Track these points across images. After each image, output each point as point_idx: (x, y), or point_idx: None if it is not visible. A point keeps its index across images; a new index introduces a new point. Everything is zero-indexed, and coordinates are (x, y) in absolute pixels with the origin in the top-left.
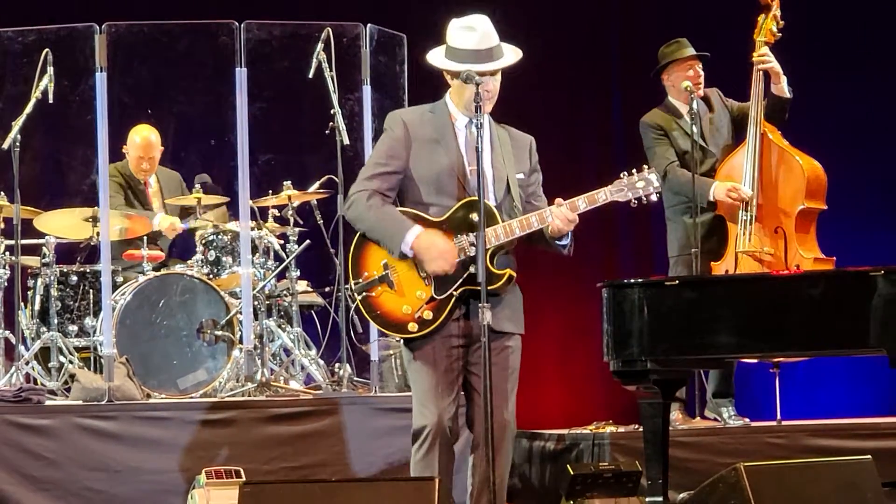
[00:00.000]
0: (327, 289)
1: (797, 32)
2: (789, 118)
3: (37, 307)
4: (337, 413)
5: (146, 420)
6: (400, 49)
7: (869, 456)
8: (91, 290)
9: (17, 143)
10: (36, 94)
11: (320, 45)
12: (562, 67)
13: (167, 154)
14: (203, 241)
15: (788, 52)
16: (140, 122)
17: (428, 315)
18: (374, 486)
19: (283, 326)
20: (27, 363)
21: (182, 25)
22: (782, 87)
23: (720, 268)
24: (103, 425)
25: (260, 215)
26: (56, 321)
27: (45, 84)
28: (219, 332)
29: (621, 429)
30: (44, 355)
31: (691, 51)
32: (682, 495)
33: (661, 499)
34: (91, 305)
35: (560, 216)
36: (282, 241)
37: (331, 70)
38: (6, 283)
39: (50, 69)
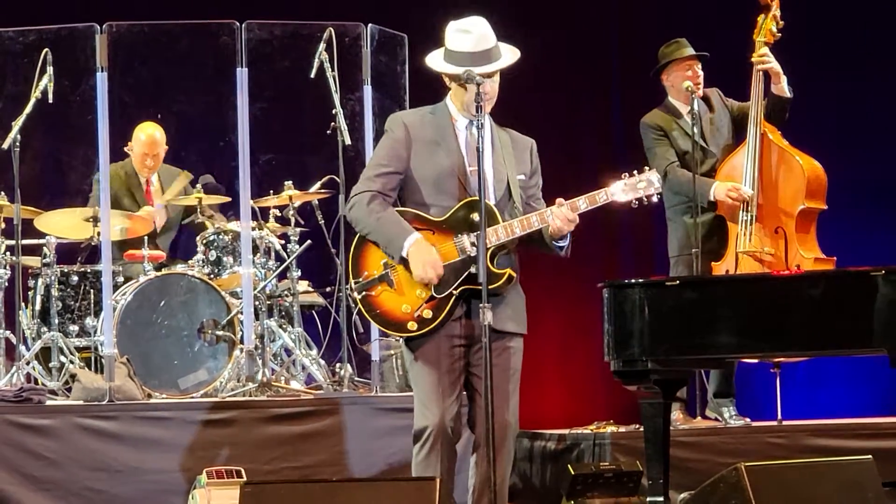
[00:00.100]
0: (328, 289)
1: (797, 32)
2: (789, 118)
3: (37, 307)
4: (338, 413)
5: (147, 420)
6: (401, 49)
7: (870, 456)
8: (92, 290)
9: (18, 143)
10: (36, 94)
11: (322, 45)
12: (561, 68)
13: (168, 154)
14: (204, 241)
15: (788, 52)
16: (141, 121)
17: (428, 314)
18: (374, 486)
19: (284, 326)
20: (28, 363)
21: (183, 25)
22: (782, 87)
23: (721, 268)
24: (104, 425)
25: (261, 215)
26: (57, 321)
27: (44, 84)
28: (220, 332)
29: (622, 429)
30: (45, 355)
31: (690, 51)
32: (682, 495)
33: (661, 499)
34: (92, 305)
35: (560, 216)
36: (283, 241)
37: (332, 70)
38: (7, 284)
39: (49, 69)
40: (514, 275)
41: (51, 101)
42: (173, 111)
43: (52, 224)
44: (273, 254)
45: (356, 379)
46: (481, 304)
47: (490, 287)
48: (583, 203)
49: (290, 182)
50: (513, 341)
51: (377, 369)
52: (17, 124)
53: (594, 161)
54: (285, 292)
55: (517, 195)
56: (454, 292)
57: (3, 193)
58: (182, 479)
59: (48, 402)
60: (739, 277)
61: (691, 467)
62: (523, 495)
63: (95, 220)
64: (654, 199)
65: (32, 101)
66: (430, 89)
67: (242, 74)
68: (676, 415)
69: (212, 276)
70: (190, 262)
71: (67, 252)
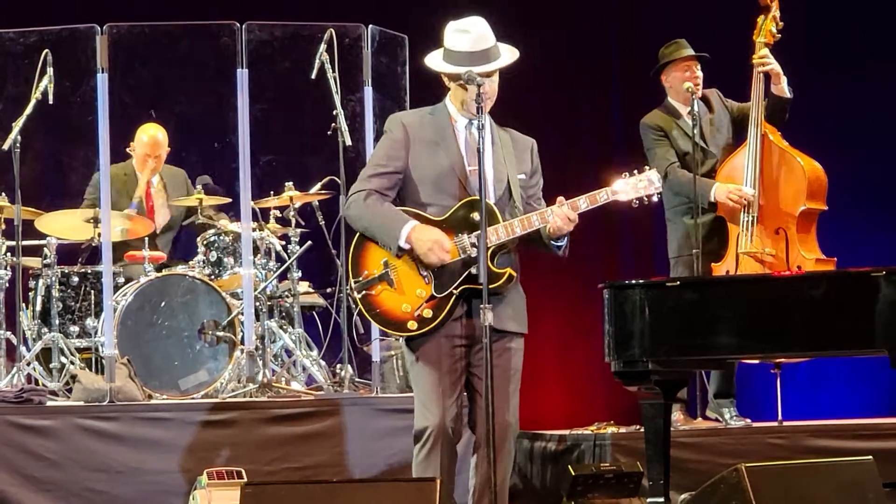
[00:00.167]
0: (329, 290)
1: (796, 33)
2: (789, 119)
3: (38, 308)
4: (338, 414)
5: (147, 421)
6: (402, 50)
7: (870, 456)
8: (92, 291)
9: (18, 144)
10: (36, 95)
11: (323, 46)
12: (561, 68)
13: (169, 155)
14: (204, 242)
15: (788, 52)
16: (142, 122)
17: (428, 313)
18: (375, 486)
19: (284, 327)
20: (28, 364)
21: (183, 26)
22: (782, 88)
23: (721, 269)
24: (105, 426)
25: (261, 216)
26: (57, 322)
27: (45, 85)
28: (220, 333)
29: (623, 429)
30: (45, 356)
31: (690, 51)
32: (683, 496)
33: (662, 499)
34: (92, 306)
35: (561, 215)
36: (283, 242)
37: (333, 71)
38: (7, 284)
39: (50, 70)
40: (515, 274)
41: (51, 102)
42: (174, 112)
43: (53, 225)
44: (274, 255)
45: (357, 380)
46: (482, 305)
47: (490, 286)
48: (583, 202)
49: (291, 183)
50: (513, 342)
51: (378, 370)
52: (18, 125)
53: (594, 161)
54: (286, 293)
55: (517, 195)
56: (454, 292)
57: (3, 194)
58: (183, 479)
59: (49, 403)
60: (740, 278)
61: (692, 468)
62: (524, 496)
63: (96, 221)
64: (655, 198)
65: (33, 102)
66: (431, 90)
67: (243, 75)
68: (677, 415)
69: (212, 276)
70: (190, 262)
71: (68, 253)
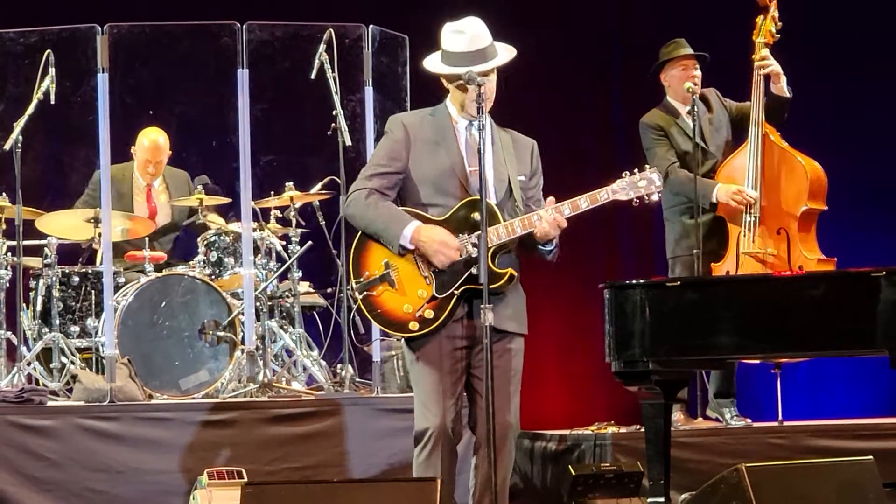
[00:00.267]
0: (329, 290)
1: (795, 34)
2: (788, 119)
3: (38, 308)
4: (339, 414)
5: (148, 421)
6: (402, 50)
7: (870, 456)
8: (93, 291)
9: (19, 144)
10: (37, 95)
11: (322, 46)
12: (561, 68)
13: (170, 155)
14: (205, 242)
15: (786, 53)
16: (143, 122)
17: (429, 314)
18: (375, 486)
19: (285, 327)
20: (29, 364)
21: (184, 26)
22: (782, 87)
23: (721, 269)
24: (105, 426)
25: (262, 216)
26: (58, 322)
27: (46, 85)
28: (221, 333)
29: (623, 429)
30: (45, 356)
31: (688, 50)
32: (683, 496)
33: (662, 499)
34: (93, 306)
35: (549, 220)
36: (284, 242)
37: (333, 71)
38: (8, 284)
39: (51, 70)
40: (516, 274)
41: (52, 102)
42: (174, 112)
43: (54, 225)
44: (274, 255)
45: (357, 380)
46: (482, 306)
47: (492, 286)
48: (584, 202)
49: (291, 183)
50: (513, 342)
51: (378, 370)
52: (19, 125)
53: (594, 161)
54: (286, 293)
55: (518, 195)
56: (455, 292)
57: (4, 194)
58: (183, 479)
59: (49, 403)
60: (740, 278)
61: (692, 468)
62: (524, 496)
63: (96, 221)
64: (655, 197)
65: (34, 102)
66: (432, 90)
67: (243, 75)
68: (677, 415)
69: (213, 276)
70: (191, 262)
71: (69, 253)
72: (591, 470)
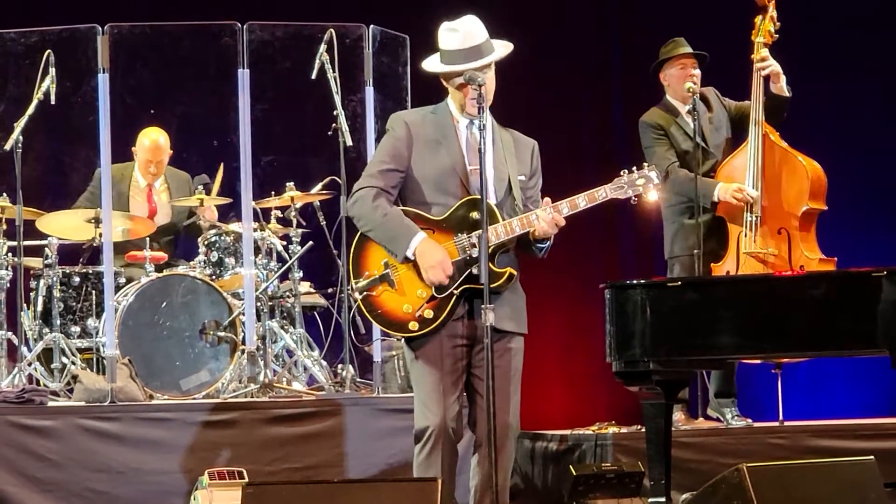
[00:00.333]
0: (330, 290)
1: (794, 33)
2: (787, 118)
3: (39, 308)
4: (339, 414)
5: (149, 421)
6: (403, 50)
7: (871, 456)
8: (93, 292)
9: (20, 145)
10: (38, 96)
11: (323, 47)
12: (561, 67)
13: (170, 155)
14: (206, 243)
15: (785, 53)
16: (143, 123)
17: (429, 314)
18: (376, 486)
19: (285, 327)
20: (30, 364)
21: (184, 26)
22: (782, 87)
23: (721, 269)
24: (106, 426)
25: (263, 216)
26: (58, 322)
27: (46, 85)
28: (221, 334)
29: (624, 429)
30: (46, 356)
31: (687, 49)
32: (684, 496)
33: (663, 499)
34: (93, 306)
35: (548, 219)
36: (284, 243)
37: (334, 71)
38: (8, 285)
39: (52, 70)
40: (515, 273)
41: (53, 102)
42: (175, 113)
43: (54, 225)
44: (275, 255)
45: (358, 380)
46: (483, 306)
47: (492, 286)
48: (582, 200)
49: (292, 183)
50: (513, 342)
51: (379, 370)
52: (19, 126)
53: (594, 160)
54: (287, 293)
55: (517, 194)
56: (455, 292)
57: (5, 195)
58: (184, 480)
59: (50, 404)
60: (741, 278)
61: (693, 468)
62: (525, 496)
63: (97, 221)
64: (654, 195)
65: (34, 102)
66: (432, 90)
67: (244, 76)
68: (678, 415)
69: (213, 277)
70: (191, 263)
71: (69, 253)
72: (592, 470)
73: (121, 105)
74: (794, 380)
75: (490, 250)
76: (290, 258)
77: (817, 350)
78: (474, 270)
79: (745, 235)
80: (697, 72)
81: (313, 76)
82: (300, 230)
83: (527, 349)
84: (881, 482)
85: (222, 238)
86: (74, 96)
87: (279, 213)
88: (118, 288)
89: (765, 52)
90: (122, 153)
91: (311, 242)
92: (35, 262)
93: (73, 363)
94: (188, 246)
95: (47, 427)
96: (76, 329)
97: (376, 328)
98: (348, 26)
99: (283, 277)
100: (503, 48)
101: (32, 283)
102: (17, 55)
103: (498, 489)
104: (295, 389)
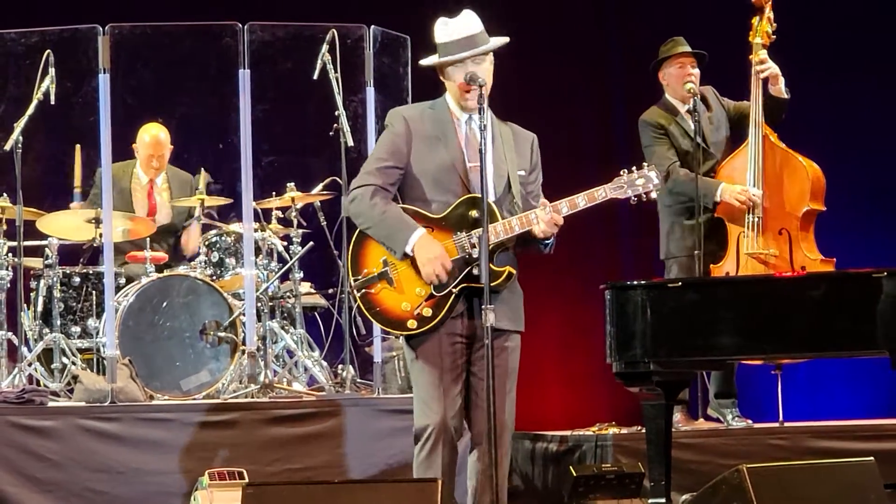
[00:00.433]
0: (330, 290)
1: (790, 34)
2: (785, 118)
3: (39, 308)
4: (340, 415)
5: (149, 421)
6: (403, 51)
7: (871, 458)
8: (94, 292)
9: (20, 145)
10: (38, 96)
11: (325, 47)
12: (561, 65)
13: (171, 155)
14: (206, 243)
15: (782, 53)
16: (143, 123)
17: (427, 312)
18: (376, 487)
19: (286, 328)
20: (30, 364)
21: (185, 27)
22: (780, 89)
23: (721, 270)
24: (106, 427)
25: (263, 217)
26: (59, 322)
27: (46, 85)
28: (222, 334)
29: (624, 430)
30: (46, 357)
31: (686, 48)
32: (684, 497)
33: (664, 500)
34: (94, 307)
35: (546, 220)
36: (285, 243)
37: (335, 72)
38: (9, 285)
39: (52, 70)
40: (514, 272)
41: (53, 102)
42: (175, 113)
43: (54, 225)
44: (275, 255)
45: (358, 380)
46: (483, 306)
47: (491, 285)
48: (582, 200)
49: (293, 183)
50: (510, 340)
51: (379, 371)
52: (20, 126)
53: (594, 158)
54: (287, 294)
55: (517, 191)
56: (454, 291)
57: (5, 195)
58: (184, 480)
59: (50, 404)
60: (741, 279)
61: (693, 469)
62: (525, 497)
63: (97, 221)
64: (653, 195)
65: (35, 102)
66: (433, 91)
67: (245, 76)
68: (678, 416)
69: (214, 277)
70: (192, 263)
71: (69, 253)
72: (593, 471)
73: (121, 105)
74: (794, 381)
75: (489, 249)
76: (291, 259)
77: (817, 351)
78: (474, 270)
79: (746, 236)
80: (696, 71)
81: (314, 77)
82: (301, 231)
83: (527, 349)
84: (881, 483)
85: (223, 238)
86: (75, 97)
87: (280, 214)
88: (118, 288)
89: (763, 53)
90: (123, 154)
91: (311, 243)
92: (35, 263)
93: (74, 363)
94: None
95: (47, 427)
96: (76, 329)
97: (376, 328)
98: (349, 27)
99: (284, 278)
100: (499, 41)
101: (33, 284)
102: (17, 55)
103: (498, 489)
104: (295, 390)
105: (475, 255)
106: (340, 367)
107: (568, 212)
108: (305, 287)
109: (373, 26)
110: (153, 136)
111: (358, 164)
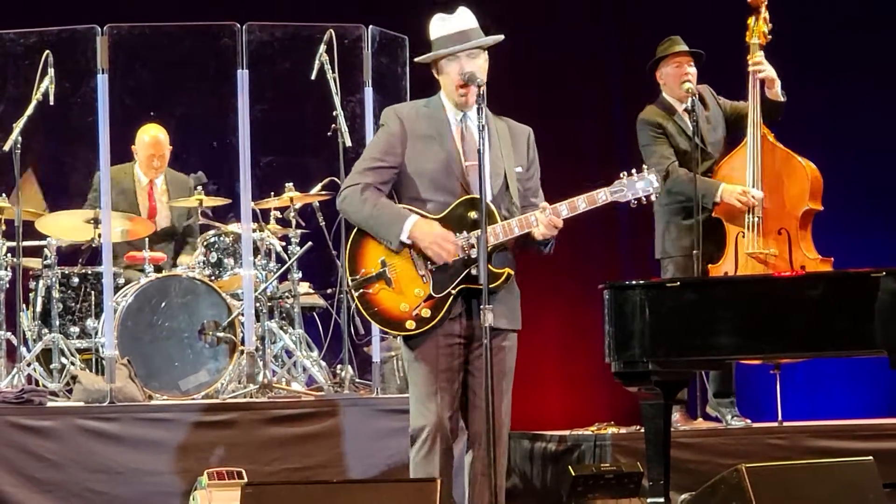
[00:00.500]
0: (329, 290)
1: (788, 34)
2: (782, 119)
3: (38, 309)
4: (338, 414)
5: (148, 421)
6: (402, 50)
7: (870, 457)
8: (93, 292)
9: (19, 146)
10: (37, 96)
11: (322, 47)
12: (561, 65)
13: (170, 155)
14: (205, 243)
15: (779, 54)
16: (142, 123)
17: (426, 313)
18: (375, 487)
19: (284, 328)
20: (29, 365)
21: (184, 27)
22: (776, 92)
23: (720, 270)
24: (105, 427)
25: (262, 217)
26: (58, 323)
27: (45, 86)
28: (220, 334)
29: (623, 430)
30: (45, 357)
31: (683, 47)
32: (683, 496)
33: (662, 500)
34: (92, 307)
35: (546, 223)
36: (283, 243)
37: (333, 72)
38: (8, 285)
39: (50, 71)
40: (512, 273)
41: (52, 103)
42: (174, 113)
43: (53, 226)
44: (274, 255)
45: (357, 380)
46: (482, 307)
47: (490, 286)
48: (582, 203)
49: (291, 184)
50: (507, 339)
51: (378, 371)
52: (18, 126)
53: (593, 158)
54: (286, 294)
55: (514, 189)
56: (452, 292)
57: (4, 195)
58: (183, 480)
59: (49, 404)
60: (739, 279)
61: (692, 468)
62: (524, 496)
63: (96, 221)
64: (653, 198)
65: (33, 103)
66: (432, 91)
67: (243, 76)
68: (677, 416)
69: (212, 277)
70: (191, 263)
71: (68, 254)
72: (591, 470)
73: (120, 106)
74: (792, 380)
75: (488, 250)
76: (290, 259)
77: (816, 350)
78: (473, 271)
79: (746, 236)
80: (693, 70)
81: (312, 77)
82: (299, 231)
83: (526, 349)
84: (880, 483)
85: (221, 239)
86: (73, 97)
87: (278, 214)
88: (117, 288)
89: (760, 55)
90: (122, 154)
91: (310, 243)
92: (34, 263)
93: (73, 364)
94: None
95: (46, 427)
96: (75, 329)
97: (375, 328)
98: (347, 27)
99: (283, 278)
100: (494, 37)
101: (31, 284)
102: (16, 56)
103: (496, 489)
104: (294, 390)
105: (474, 256)
106: (339, 367)
107: (568, 214)
108: (304, 287)
109: (371, 26)
110: (153, 136)
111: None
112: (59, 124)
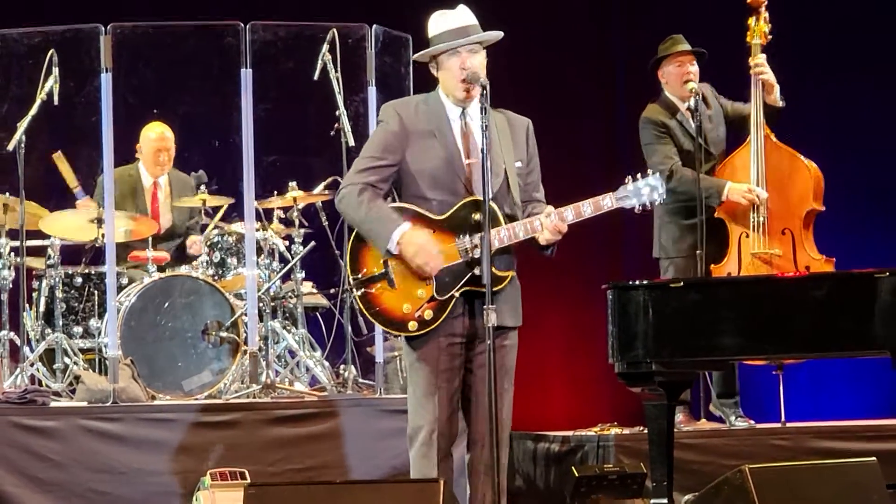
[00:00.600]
0: (332, 290)
1: (788, 34)
2: (781, 120)
3: (41, 308)
4: (342, 415)
5: (151, 422)
6: (405, 50)
7: (874, 458)
8: (96, 292)
9: (23, 145)
10: (41, 96)
11: (326, 47)
12: (563, 64)
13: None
14: (208, 243)
15: (779, 54)
16: (146, 122)
17: (428, 314)
18: (378, 487)
19: (288, 328)
20: (32, 365)
21: (187, 26)
22: (775, 98)
23: (723, 270)
24: (108, 427)
25: (265, 217)
26: (61, 323)
27: (49, 85)
28: (224, 334)
29: (626, 430)
30: (48, 357)
31: (685, 46)
32: (687, 497)
33: (666, 501)
34: (96, 307)
35: (551, 227)
36: (287, 243)
37: (336, 71)
38: (11, 285)
39: (55, 70)
40: (514, 274)
41: (56, 102)
42: (178, 112)
43: (57, 226)
44: (277, 255)
45: (360, 381)
46: (485, 307)
47: (494, 289)
48: (587, 208)
49: (294, 183)
50: (508, 338)
51: (381, 371)
52: (23, 125)
53: (596, 159)
54: (289, 294)
55: (515, 187)
56: (455, 294)
57: (8, 195)
58: (186, 480)
59: (52, 404)
60: (743, 279)
61: (695, 469)
62: (527, 497)
63: (100, 221)
64: (658, 202)
65: (38, 102)
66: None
67: (247, 75)
68: (680, 417)
69: (216, 277)
70: (194, 263)
71: (72, 253)
72: (595, 471)
73: (123, 105)
74: (796, 381)
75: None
76: (293, 258)
77: (819, 351)
78: (476, 271)
79: (749, 236)
80: (695, 69)
81: (316, 76)
82: (302, 230)
83: (529, 350)
84: (883, 483)
85: (224, 238)
86: (77, 96)
87: (282, 214)
88: (120, 288)
89: (761, 57)
90: (125, 153)
91: (313, 243)
92: (37, 263)
93: (76, 364)
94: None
95: (49, 428)
96: (78, 329)
97: (379, 329)
98: (351, 26)
99: (286, 278)
100: (493, 33)
101: (35, 284)
102: (20, 55)
103: (499, 490)
104: (297, 390)
105: (477, 257)
106: (342, 367)
107: (573, 219)
108: (307, 287)
109: (374, 26)
110: (159, 132)
111: None
112: (63, 123)
